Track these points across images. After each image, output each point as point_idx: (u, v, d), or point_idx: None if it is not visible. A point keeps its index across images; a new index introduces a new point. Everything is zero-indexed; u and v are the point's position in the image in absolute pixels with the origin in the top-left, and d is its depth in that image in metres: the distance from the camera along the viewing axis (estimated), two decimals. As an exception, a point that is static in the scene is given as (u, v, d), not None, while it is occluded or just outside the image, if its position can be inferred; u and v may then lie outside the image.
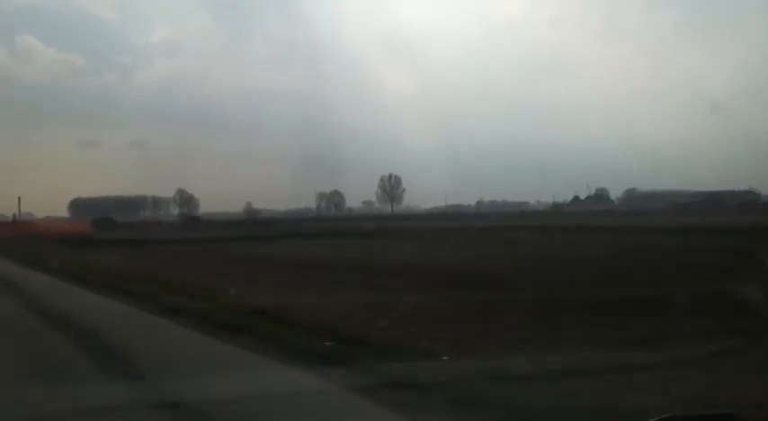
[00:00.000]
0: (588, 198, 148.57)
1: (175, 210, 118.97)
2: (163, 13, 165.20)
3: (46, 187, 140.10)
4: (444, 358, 7.33)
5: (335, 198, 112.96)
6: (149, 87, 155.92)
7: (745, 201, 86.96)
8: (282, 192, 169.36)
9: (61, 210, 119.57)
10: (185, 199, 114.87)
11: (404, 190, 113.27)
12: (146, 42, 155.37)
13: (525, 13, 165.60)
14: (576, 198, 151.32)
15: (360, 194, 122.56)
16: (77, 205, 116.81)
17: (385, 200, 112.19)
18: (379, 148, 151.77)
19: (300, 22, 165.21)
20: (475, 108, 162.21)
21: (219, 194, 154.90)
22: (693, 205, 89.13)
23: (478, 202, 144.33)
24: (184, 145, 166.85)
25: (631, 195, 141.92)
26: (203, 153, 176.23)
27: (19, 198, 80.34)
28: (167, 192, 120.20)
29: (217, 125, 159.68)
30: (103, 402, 6.04)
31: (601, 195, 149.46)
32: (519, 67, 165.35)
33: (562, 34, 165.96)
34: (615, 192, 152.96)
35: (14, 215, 79.18)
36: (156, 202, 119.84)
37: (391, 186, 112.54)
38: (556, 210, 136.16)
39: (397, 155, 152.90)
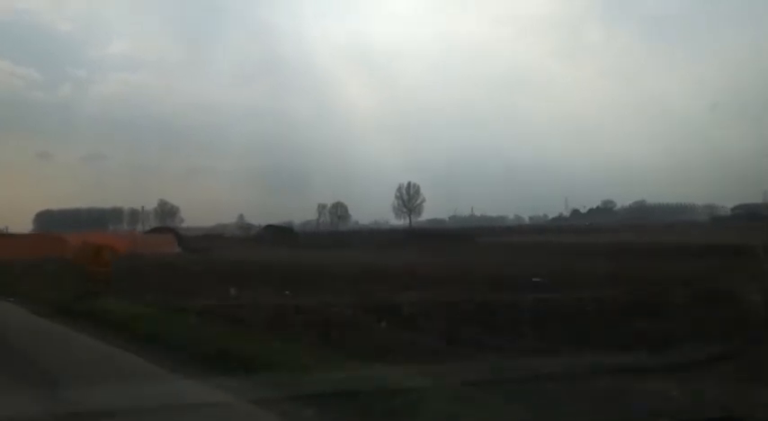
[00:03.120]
0: (591, 211, 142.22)
1: (151, 224, 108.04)
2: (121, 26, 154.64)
3: (3, 201, 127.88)
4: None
5: (339, 210, 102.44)
6: (125, 99, 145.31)
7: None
8: (255, 206, 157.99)
9: (25, 225, 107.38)
10: (168, 211, 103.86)
11: (423, 200, 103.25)
12: (104, 55, 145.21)
13: (520, 23, 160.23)
14: (577, 211, 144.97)
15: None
16: (44, 218, 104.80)
17: (402, 212, 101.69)
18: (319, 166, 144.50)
19: (263, 36, 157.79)
20: (447, 122, 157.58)
21: (199, 207, 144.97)
22: (731, 219, 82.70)
23: (452, 217, 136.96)
24: (154, 158, 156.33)
25: (641, 208, 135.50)
26: (174, 166, 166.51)
27: None
28: (137, 204, 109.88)
29: (190, 139, 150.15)
30: None
31: (604, 208, 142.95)
32: (497, 82, 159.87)
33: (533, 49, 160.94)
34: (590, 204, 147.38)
35: None
36: (134, 215, 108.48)
37: (409, 196, 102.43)
38: (552, 224, 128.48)
39: (381, 169, 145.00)
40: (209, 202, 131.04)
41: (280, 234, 58.79)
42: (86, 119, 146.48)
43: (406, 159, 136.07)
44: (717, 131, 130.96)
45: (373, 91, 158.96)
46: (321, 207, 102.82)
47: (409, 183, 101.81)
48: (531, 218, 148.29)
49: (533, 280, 16.04)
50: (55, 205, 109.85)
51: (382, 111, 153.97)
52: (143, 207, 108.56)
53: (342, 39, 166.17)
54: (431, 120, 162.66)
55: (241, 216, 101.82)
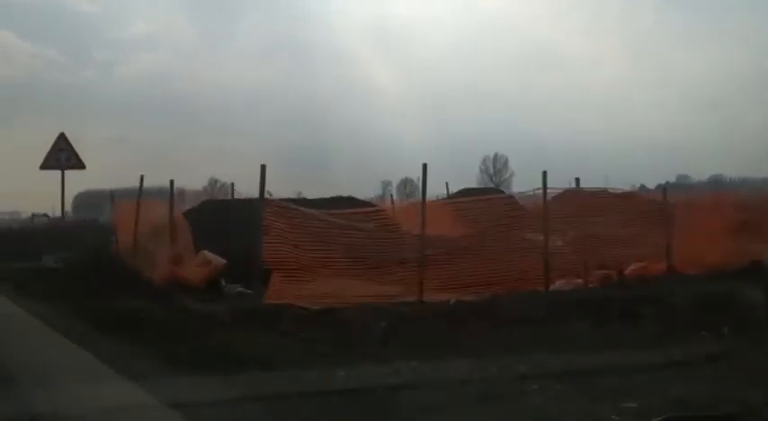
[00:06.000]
0: (659, 187, 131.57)
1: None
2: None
3: (33, 184, 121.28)
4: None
5: (408, 187, 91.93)
6: (152, 80, 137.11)
7: None
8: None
9: (57, 207, 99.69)
10: (220, 190, 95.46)
11: (512, 173, 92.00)
12: (128, 35, 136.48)
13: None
14: (643, 187, 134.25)
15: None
16: (83, 199, 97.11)
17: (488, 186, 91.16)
18: (375, 141, 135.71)
19: (292, 12, 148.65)
20: (476, 93, 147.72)
21: (246, 185, 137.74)
22: None
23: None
24: (196, 137, 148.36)
25: (718, 182, 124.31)
26: (217, 145, 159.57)
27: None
28: (180, 184, 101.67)
29: (233, 116, 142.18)
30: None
31: (678, 183, 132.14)
32: (529, 58, 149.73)
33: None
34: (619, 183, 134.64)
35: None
36: (181, 194, 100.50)
37: (495, 170, 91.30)
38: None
39: (392, 148, 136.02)
40: (256, 180, 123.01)
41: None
42: (113, 100, 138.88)
43: (433, 137, 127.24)
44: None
45: (393, 71, 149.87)
46: (385, 183, 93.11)
47: (496, 155, 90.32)
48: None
49: None
50: (91, 186, 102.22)
51: (421, 88, 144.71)
52: (213, 179, 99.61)
53: (368, 13, 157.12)
54: (466, 97, 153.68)
55: (299, 193, 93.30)
